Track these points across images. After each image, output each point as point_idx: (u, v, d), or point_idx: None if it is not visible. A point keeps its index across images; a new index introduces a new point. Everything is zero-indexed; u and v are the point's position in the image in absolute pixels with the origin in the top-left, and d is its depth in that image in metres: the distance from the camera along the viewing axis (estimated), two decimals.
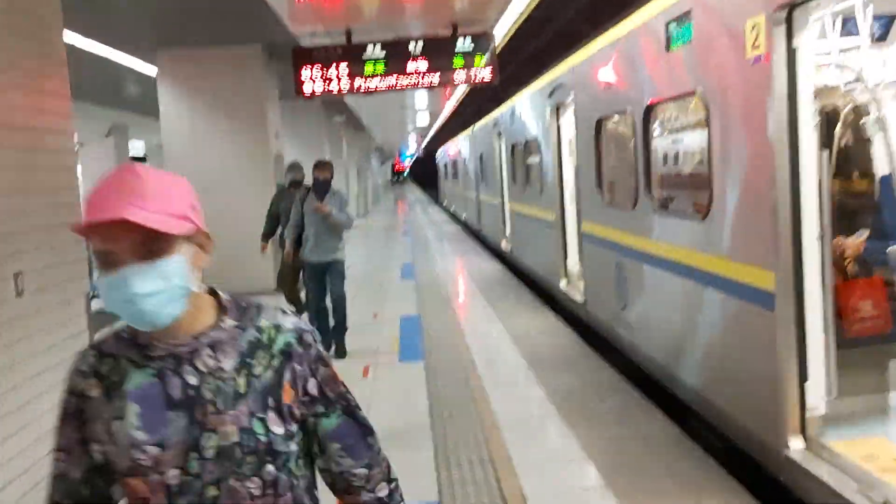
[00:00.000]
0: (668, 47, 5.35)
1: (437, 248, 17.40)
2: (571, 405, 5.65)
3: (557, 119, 9.29)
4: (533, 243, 11.35)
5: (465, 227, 23.36)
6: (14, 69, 4.06)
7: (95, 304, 7.69)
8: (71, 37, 10.34)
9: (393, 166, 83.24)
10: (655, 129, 5.94)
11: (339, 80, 7.74)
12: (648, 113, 5.84)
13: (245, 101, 11.68)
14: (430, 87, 8.04)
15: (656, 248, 5.75)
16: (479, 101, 23.09)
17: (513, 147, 12.78)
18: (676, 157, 5.80)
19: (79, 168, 21.17)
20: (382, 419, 5.57)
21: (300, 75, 7.63)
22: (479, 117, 18.70)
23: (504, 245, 14.73)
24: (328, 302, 7.51)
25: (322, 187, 7.23)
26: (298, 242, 7.51)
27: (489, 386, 6.25)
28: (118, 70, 12.89)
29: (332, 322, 7.50)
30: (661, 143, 6.00)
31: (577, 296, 8.48)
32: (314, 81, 7.65)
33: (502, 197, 14.87)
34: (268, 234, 9.14)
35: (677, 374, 5.43)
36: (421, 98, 19.54)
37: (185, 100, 11.72)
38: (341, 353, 7.45)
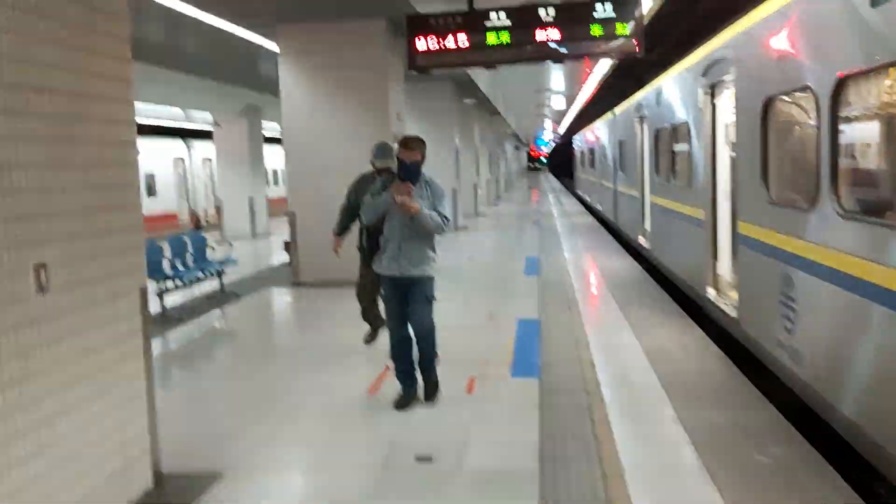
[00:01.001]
0: (873, 2, 4.06)
1: (568, 242, 16.21)
2: (718, 454, 4.47)
3: (712, 101, 7.95)
4: (676, 242, 10.01)
5: (600, 219, 21.96)
6: (50, 19, 3.39)
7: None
8: (189, 10, 10.02)
9: (528, 153, 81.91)
10: (847, 109, 4.61)
11: (458, 51, 6.78)
12: (839, 89, 4.52)
13: (366, 79, 11.02)
14: (562, 60, 6.94)
15: (845, 263, 4.45)
16: (620, 84, 21.56)
17: (657, 133, 11.42)
18: (879, 146, 4.46)
19: (206, 146, 21.35)
20: (481, 454, 4.63)
21: (414, 45, 6.74)
22: (619, 101, 17.29)
23: (642, 241, 13.37)
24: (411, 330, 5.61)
25: (409, 173, 5.30)
26: (373, 248, 5.82)
27: (615, 418, 5.16)
28: (251, 49, 12.61)
29: (416, 354, 5.65)
30: (854, 127, 4.66)
31: (729, 309, 7.17)
32: (429, 53, 6.75)
33: (642, 188, 13.51)
34: (340, 233, 7.29)
35: (873, 434, 4.14)
36: (557, 79, 18.35)
37: (306, 78, 11.20)
38: (431, 393, 5.67)
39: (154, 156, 22.13)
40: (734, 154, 7.08)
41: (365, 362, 6.88)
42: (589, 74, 17.36)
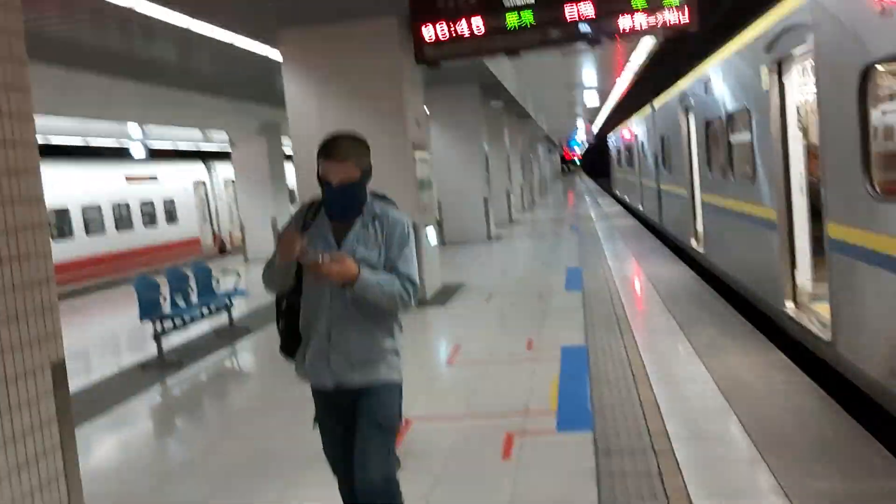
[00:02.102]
0: None
1: (610, 247, 14.94)
2: None
3: (780, 80, 6.70)
4: (739, 246, 8.73)
5: (642, 220, 20.62)
6: None
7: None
8: (186, 21, 9.12)
9: (562, 156, 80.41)
10: None
11: (473, 38, 5.67)
12: None
13: (379, 83, 9.94)
14: (598, 41, 5.77)
15: None
16: (659, 75, 20.18)
17: (707, 124, 10.16)
18: None
19: (229, 167, 20.52)
20: None
21: (420, 35, 5.65)
22: (659, 93, 15.99)
23: (694, 244, 12.07)
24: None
25: (340, 206, 3.02)
26: (294, 338, 3.18)
27: (695, 489, 3.95)
28: (264, 63, 11.71)
29: None
30: None
31: (817, 328, 5.91)
32: (439, 42, 5.64)
33: (691, 186, 12.22)
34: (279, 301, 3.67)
35: None
36: (588, 74, 17.12)
37: (312, 85, 10.18)
38: None
39: (172, 180, 21.44)
40: (813, 142, 5.85)
41: None
42: (624, 65, 16.11)
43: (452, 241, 17.79)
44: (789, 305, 6.70)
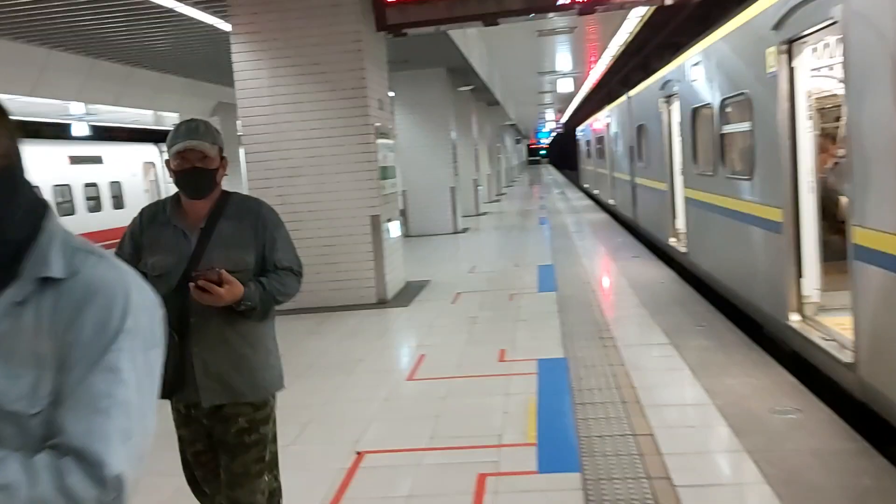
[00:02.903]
0: None
1: (582, 243, 14.18)
2: None
3: (789, 63, 5.92)
4: (730, 248, 7.98)
5: (614, 215, 19.93)
6: None
7: None
8: None
9: (528, 145, 79.88)
10: None
11: (444, 1, 4.77)
12: None
13: (337, 58, 8.97)
14: (592, 10, 4.92)
15: None
16: (637, 62, 19.52)
17: (693, 114, 9.39)
18: None
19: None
20: None
21: None
22: (635, 83, 15.25)
23: (673, 243, 11.35)
24: None
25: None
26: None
27: None
28: (223, 40, 10.66)
29: None
30: None
31: (835, 349, 5.16)
32: (404, 4, 4.73)
33: (671, 181, 11.49)
34: None
35: None
36: (563, 59, 16.31)
37: (263, 60, 9.17)
38: None
39: (120, 163, 20.17)
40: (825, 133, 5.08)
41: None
42: (601, 52, 15.35)
43: (417, 232, 16.90)
44: (794, 318, 5.95)
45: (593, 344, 6.76)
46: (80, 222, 18.12)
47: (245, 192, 10.30)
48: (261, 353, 2.80)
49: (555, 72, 18.43)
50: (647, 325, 7.36)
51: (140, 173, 21.15)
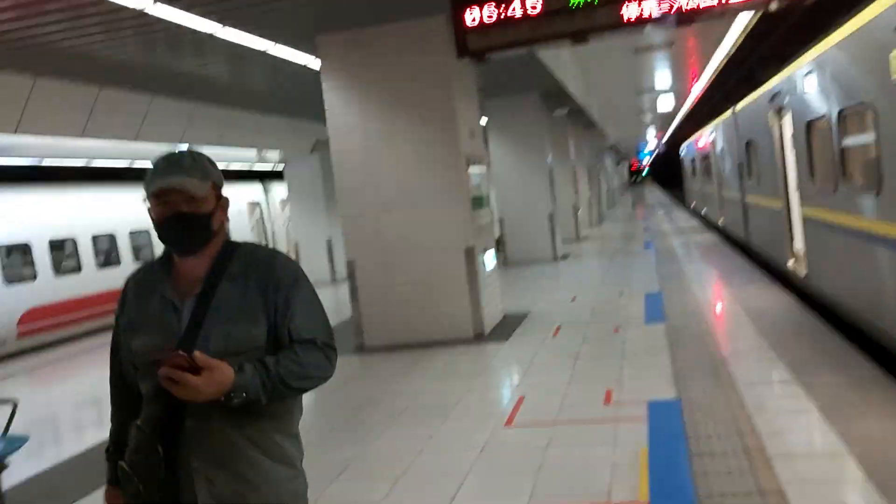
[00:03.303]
0: None
1: (691, 267, 13.44)
2: None
3: None
4: (861, 273, 7.23)
5: (723, 234, 18.93)
6: None
7: None
8: (218, 29, 8.19)
9: (629, 166, 78.24)
10: None
11: (527, 19, 4.47)
12: None
13: (427, 89, 8.86)
14: (691, 20, 4.50)
15: None
16: (742, 74, 18.57)
17: (808, 126, 8.67)
18: None
19: (283, 187, 19.72)
20: None
21: (462, 20, 4.49)
22: (742, 96, 14.44)
23: (792, 266, 10.53)
24: None
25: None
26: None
27: None
28: (314, 79, 10.81)
29: None
30: None
31: None
32: (485, 27, 4.46)
33: (787, 199, 10.70)
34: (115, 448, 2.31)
35: None
36: (663, 76, 15.68)
37: (353, 95, 9.15)
38: None
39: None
40: None
41: None
42: (702, 69, 14.64)
43: (516, 260, 16.54)
44: None
45: (709, 383, 6.19)
46: None
47: (338, 226, 10.19)
48: (281, 462, 2.06)
49: (654, 90, 17.75)
50: (769, 360, 6.72)
51: (245, 211, 21.74)
